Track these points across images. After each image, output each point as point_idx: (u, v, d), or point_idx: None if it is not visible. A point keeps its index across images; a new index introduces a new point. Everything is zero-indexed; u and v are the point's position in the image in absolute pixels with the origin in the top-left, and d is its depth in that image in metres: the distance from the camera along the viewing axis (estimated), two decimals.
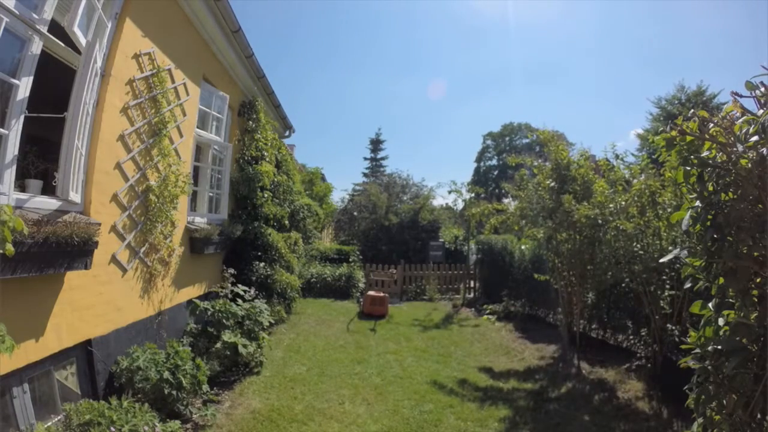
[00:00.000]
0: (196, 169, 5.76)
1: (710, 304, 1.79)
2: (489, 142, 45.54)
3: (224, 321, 4.91)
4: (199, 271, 5.57)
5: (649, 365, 5.06)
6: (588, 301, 6.34)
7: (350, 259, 12.71)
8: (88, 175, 3.27)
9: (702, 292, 1.86)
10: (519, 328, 7.89)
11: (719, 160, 1.72)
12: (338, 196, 20.90)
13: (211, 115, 5.97)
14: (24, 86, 2.57)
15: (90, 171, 3.28)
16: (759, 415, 1.60)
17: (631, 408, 4.38)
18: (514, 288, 9.06)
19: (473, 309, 9.79)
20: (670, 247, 4.75)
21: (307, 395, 4.52)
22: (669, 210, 4.76)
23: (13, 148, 2.51)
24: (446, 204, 18.54)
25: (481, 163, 45.91)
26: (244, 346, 4.78)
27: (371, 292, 9.22)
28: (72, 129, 2.77)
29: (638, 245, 5.04)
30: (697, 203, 1.77)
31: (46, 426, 2.64)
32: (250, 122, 7.19)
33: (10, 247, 1.87)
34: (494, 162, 45.07)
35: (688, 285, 1.88)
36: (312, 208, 10.19)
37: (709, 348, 1.72)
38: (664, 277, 4.87)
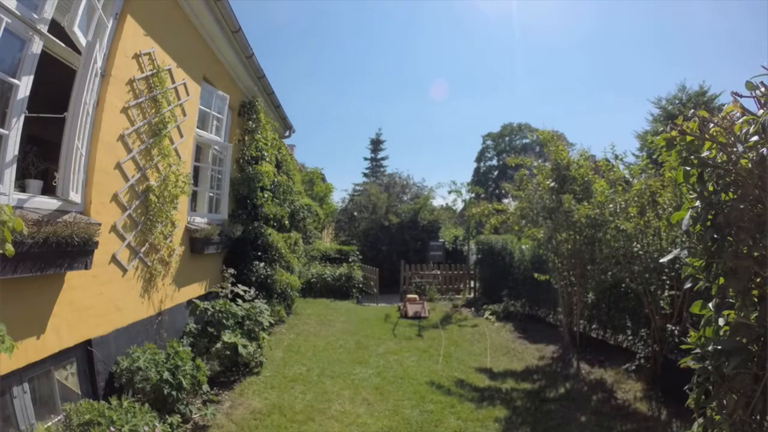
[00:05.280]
0: (196, 169, 5.76)
1: (710, 304, 1.79)
2: (489, 142, 45.53)
3: (224, 321, 4.91)
4: (199, 271, 5.57)
5: (649, 365, 5.06)
6: (588, 301, 6.34)
7: (350, 259, 12.74)
8: (88, 175, 3.27)
9: (702, 292, 1.86)
10: (519, 328, 7.89)
11: (719, 160, 1.72)
12: (338, 196, 20.95)
13: (211, 115, 5.97)
14: (24, 86, 2.58)
15: (90, 171, 3.28)
16: (759, 416, 1.60)
17: (631, 408, 4.39)
18: (514, 288, 9.06)
19: (473, 309, 9.79)
20: (670, 247, 4.75)
21: (307, 395, 4.52)
22: (669, 210, 4.76)
23: (13, 148, 2.51)
24: (446, 204, 18.56)
25: (481, 164, 45.88)
26: (244, 346, 4.78)
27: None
28: (72, 129, 2.77)
29: (638, 245, 5.04)
30: (697, 203, 1.77)
31: (46, 426, 2.64)
32: (251, 122, 7.19)
33: (10, 248, 1.87)
34: (494, 162, 45.05)
35: (688, 285, 1.88)
36: (312, 208, 10.19)
37: (710, 348, 1.72)
38: (664, 277, 4.87)
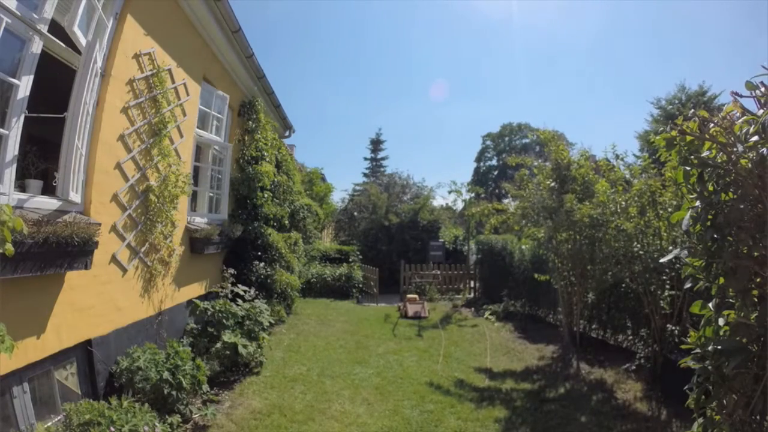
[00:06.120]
0: (196, 169, 5.76)
1: (710, 304, 1.79)
2: (488, 142, 45.54)
3: (224, 321, 4.91)
4: (199, 271, 5.57)
5: (648, 365, 5.06)
6: (588, 300, 6.34)
7: (350, 259, 12.74)
8: (88, 175, 3.27)
9: (702, 292, 1.86)
10: (519, 328, 7.89)
11: (719, 160, 1.72)
12: (338, 196, 20.96)
13: (211, 115, 5.97)
14: (24, 86, 2.58)
15: (90, 171, 3.28)
16: (759, 416, 1.60)
17: (631, 408, 4.38)
18: (514, 288, 9.06)
19: (473, 309, 9.79)
20: (670, 247, 4.75)
21: (307, 395, 4.52)
22: (669, 210, 4.76)
23: (13, 148, 2.51)
24: (446, 204, 18.53)
25: (481, 163, 45.90)
26: (244, 346, 4.78)
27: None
28: (72, 129, 2.77)
29: (638, 245, 5.04)
30: (697, 203, 1.77)
31: (46, 426, 2.64)
32: (250, 122, 7.20)
33: (10, 247, 1.87)
34: (494, 162, 45.06)
35: (688, 285, 1.88)
36: (312, 208, 10.20)
37: (710, 348, 1.72)
38: (664, 277, 4.87)
